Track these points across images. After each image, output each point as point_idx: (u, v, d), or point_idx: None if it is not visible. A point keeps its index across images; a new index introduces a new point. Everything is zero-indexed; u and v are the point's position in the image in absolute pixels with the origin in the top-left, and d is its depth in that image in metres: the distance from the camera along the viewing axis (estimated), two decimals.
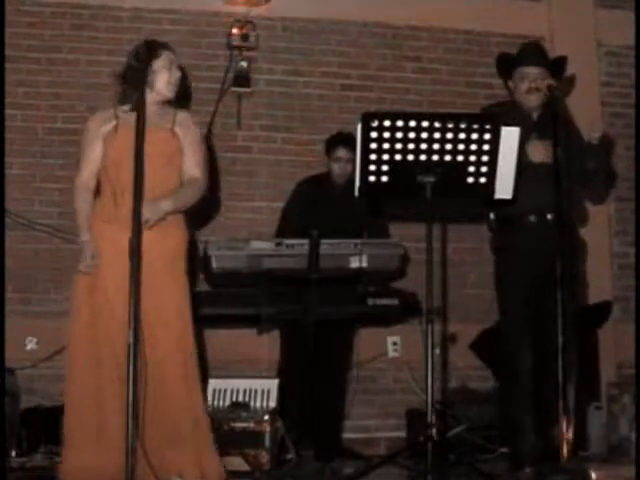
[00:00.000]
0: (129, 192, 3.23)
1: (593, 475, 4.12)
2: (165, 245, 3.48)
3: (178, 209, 3.51)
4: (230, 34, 5.30)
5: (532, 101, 4.03)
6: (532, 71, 4.04)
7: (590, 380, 5.08)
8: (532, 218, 4.04)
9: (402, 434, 5.11)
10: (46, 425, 4.52)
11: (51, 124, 5.16)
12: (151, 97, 3.50)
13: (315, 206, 4.73)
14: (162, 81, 3.52)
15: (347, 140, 4.72)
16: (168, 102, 3.61)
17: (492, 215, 4.19)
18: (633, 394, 4.68)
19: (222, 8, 5.37)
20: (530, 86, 4.01)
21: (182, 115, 3.62)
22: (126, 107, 3.51)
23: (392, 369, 5.39)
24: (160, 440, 3.36)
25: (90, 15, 5.26)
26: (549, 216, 3.98)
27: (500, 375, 4.35)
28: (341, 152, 4.75)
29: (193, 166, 3.56)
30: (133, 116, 3.27)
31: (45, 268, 5.08)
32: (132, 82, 3.45)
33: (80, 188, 3.56)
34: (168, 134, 3.53)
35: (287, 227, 4.75)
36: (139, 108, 3.15)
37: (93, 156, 3.54)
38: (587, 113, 5.47)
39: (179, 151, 3.55)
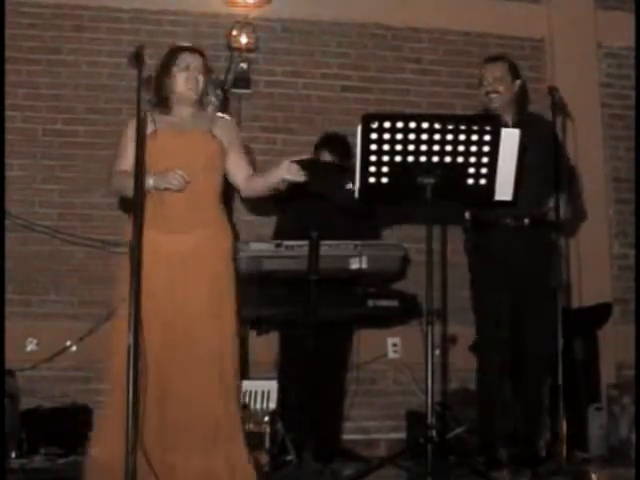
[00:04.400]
0: (169, 196, 3.35)
1: (593, 476, 4.13)
2: (218, 246, 3.50)
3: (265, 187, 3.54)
4: (230, 35, 5.31)
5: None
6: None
7: (590, 381, 5.09)
8: (509, 221, 4.14)
9: (402, 435, 5.11)
10: (46, 426, 4.52)
11: (51, 125, 5.16)
12: (177, 101, 3.55)
13: (310, 208, 4.75)
14: (179, 83, 3.53)
15: (332, 143, 4.74)
16: (203, 106, 3.61)
17: (467, 215, 4.23)
18: (633, 395, 4.68)
19: (222, 9, 5.37)
20: (487, 89, 4.20)
21: (221, 118, 3.62)
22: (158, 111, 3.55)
23: (392, 370, 5.39)
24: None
25: (90, 17, 5.27)
26: (526, 220, 4.12)
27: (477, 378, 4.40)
28: (327, 156, 4.76)
29: (248, 165, 3.60)
30: (169, 120, 3.50)
31: (45, 269, 5.08)
32: (153, 88, 3.54)
33: (116, 171, 3.53)
34: (206, 135, 3.51)
35: (283, 229, 4.76)
36: (138, 111, 3.15)
37: (130, 160, 3.46)
38: (587, 114, 5.50)
39: (219, 153, 3.53)
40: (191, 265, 3.41)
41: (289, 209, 4.80)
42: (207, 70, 3.62)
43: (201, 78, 3.56)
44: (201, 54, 3.63)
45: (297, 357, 4.35)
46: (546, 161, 3.97)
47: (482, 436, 4.26)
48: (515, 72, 4.26)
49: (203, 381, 3.35)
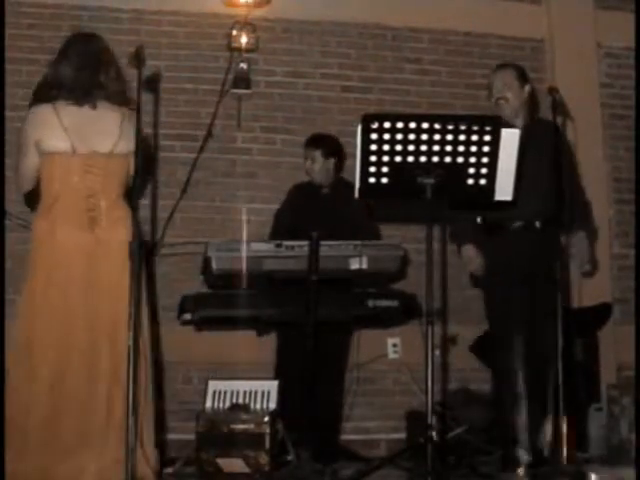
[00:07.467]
0: None
1: (593, 477, 4.12)
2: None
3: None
4: (230, 36, 5.31)
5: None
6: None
7: (590, 381, 5.09)
8: (519, 224, 4.11)
9: (402, 435, 5.11)
10: None
11: None
12: None
13: (304, 211, 4.77)
14: None
15: (323, 141, 4.82)
16: None
17: (479, 219, 4.23)
18: (633, 396, 4.67)
19: (222, 10, 5.37)
20: (496, 97, 4.17)
21: None
22: None
23: (392, 371, 5.39)
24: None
25: (89, 17, 5.25)
26: (537, 223, 4.09)
27: (494, 376, 4.38)
28: (317, 155, 4.81)
29: None
30: None
31: None
32: None
33: None
34: None
35: (278, 230, 4.80)
36: (138, 110, 3.20)
37: None
38: (587, 114, 5.50)
39: None
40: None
41: (281, 215, 4.87)
42: None
43: None
44: None
45: (294, 357, 4.36)
46: (545, 174, 3.97)
47: (501, 433, 4.21)
48: (524, 78, 4.23)
49: None
